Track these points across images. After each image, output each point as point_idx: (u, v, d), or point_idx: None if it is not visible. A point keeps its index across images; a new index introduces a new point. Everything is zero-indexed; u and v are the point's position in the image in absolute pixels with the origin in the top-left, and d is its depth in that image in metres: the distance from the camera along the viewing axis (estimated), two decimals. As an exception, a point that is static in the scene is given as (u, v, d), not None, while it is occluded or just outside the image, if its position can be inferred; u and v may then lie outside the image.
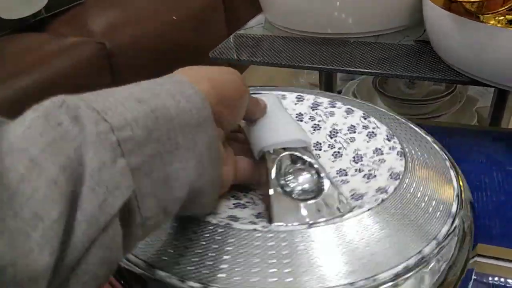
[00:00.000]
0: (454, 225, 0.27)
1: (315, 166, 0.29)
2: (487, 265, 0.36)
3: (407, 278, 0.24)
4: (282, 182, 0.28)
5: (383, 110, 0.40)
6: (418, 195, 0.29)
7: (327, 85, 0.81)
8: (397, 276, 0.24)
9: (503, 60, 0.44)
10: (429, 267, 0.25)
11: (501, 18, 0.47)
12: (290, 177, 0.28)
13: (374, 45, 0.61)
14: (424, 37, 0.60)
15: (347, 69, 0.57)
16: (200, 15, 1.12)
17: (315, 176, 0.28)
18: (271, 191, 0.28)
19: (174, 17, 1.05)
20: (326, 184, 0.28)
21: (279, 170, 0.28)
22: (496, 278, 0.35)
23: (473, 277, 0.35)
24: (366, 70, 0.56)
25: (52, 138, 0.18)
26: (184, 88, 0.24)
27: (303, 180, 0.28)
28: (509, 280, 0.35)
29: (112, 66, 0.91)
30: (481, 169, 0.48)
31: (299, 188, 0.28)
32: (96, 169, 0.18)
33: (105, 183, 0.18)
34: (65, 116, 0.19)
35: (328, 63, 0.58)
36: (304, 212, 0.27)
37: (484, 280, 0.35)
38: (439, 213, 0.28)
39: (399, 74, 0.54)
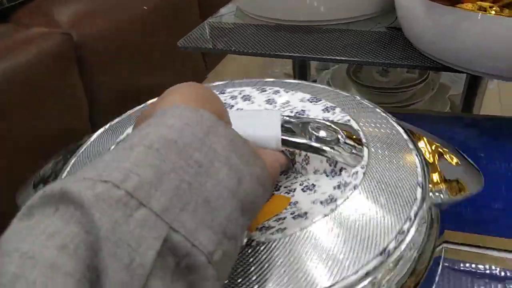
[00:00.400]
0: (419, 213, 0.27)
1: (316, 120, 0.32)
2: (458, 252, 0.36)
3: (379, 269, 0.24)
4: (319, 142, 0.30)
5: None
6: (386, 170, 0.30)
7: (301, 74, 0.80)
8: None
9: (475, 46, 0.44)
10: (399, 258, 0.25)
11: (473, 3, 0.46)
12: (317, 137, 0.31)
13: (346, 32, 0.60)
14: (396, 23, 0.59)
15: (318, 56, 0.56)
16: (172, 4, 1.10)
17: (324, 126, 0.31)
18: (330, 152, 0.30)
19: (145, 7, 1.02)
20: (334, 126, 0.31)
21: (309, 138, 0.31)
22: (467, 264, 0.35)
23: (444, 264, 0.35)
24: (338, 58, 0.55)
25: (43, 228, 0.16)
26: (171, 112, 0.22)
27: (324, 133, 0.31)
28: (479, 266, 0.35)
29: (79, 59, 0.88)
30: (453, 156, 0.48)
31: (323, 137, 0.31)
32: (109, 230, 0.16)
33: (126, 241, 0.16)
34: (52, 201, 0.17)
35: (300, 51, 0.57)
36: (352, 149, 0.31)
37: (456, 267, 0.35)
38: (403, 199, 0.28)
39: (371, 61, 0.54)
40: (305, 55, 0.56)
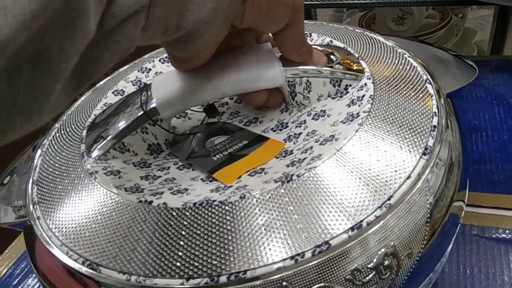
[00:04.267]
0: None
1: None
2: (491, 217, 0.31)
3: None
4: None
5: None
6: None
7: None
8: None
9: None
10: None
11: None
12: None
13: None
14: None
15: (326, 2, 0.50)
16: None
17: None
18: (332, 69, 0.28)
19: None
20: None
21: None
22: (500, 231, 0.30)
23: (472, 232, 0.30)
24: (349, 2, 0.49)
25: None
26: None
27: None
28: (515, 232, 0.29)
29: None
30: (479, 105, 0.42)
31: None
32: None
33: None
34: None
35: (304, -1, 0.51)
36: None
37: (487, 235, 0.30)
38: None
39: (386, 2, 0.47)
40: (313, 3, 0.50)
